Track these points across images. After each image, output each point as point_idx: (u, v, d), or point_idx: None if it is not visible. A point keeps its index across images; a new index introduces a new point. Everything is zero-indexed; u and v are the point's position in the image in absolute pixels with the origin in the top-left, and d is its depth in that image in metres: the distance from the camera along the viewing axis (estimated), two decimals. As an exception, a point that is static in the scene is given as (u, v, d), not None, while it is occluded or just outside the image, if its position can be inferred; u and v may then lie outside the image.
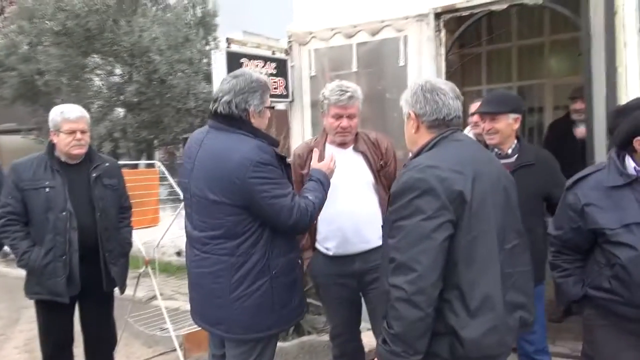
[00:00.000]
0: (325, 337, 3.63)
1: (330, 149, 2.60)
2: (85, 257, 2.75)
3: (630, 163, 1.89)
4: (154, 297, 5.32)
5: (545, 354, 2.68)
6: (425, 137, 1.75)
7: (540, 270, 2.49)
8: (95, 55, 8.04)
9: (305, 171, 2.58)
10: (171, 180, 4.32)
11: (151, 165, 5.84)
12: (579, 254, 2.06)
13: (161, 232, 4.38)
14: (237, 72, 2.16)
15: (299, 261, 2.25)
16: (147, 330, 4.03)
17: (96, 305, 2.94)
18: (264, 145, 2.03)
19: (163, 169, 4.43)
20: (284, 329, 2.40)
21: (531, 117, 5.90)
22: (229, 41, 3.99)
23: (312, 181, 2.20)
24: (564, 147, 3.79)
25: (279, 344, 2.43)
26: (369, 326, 2.80)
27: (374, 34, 3.92)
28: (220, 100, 2.06)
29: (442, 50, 3.71)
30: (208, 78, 7.82)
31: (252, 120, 2.08)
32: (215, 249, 2.05)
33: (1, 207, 2.75)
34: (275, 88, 4.09)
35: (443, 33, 3.69)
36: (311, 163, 2.36)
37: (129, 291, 3.13)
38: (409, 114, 1.78)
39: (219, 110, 2.07)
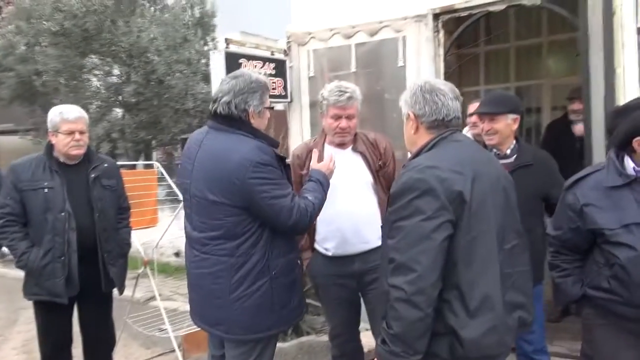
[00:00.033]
0: (324, 338, 3.63)
1: (329, 150, 2.60)
2: (84, 257, 2.74)
3: (629, 163, 1.90)
4: (152, 298, 5.32)
5: (544, 354, 2.69)
6: (424, 137, 1.75)
7: (539, 270, 2.50)
8: (93, 56, 8.03)
9: (304, 172, 2.59)
10: (169, 180, 4.32)
11: (149, 166, 5.84)
12: (578, 254, 2.07)
13: (160, 233, 4.38)
14: (237, 72, 2.16)
15: (299, 262, 2.25)
16: (146, 331, 4.02)
17: (95, 306, 2.93)
18: (263, 146, 2.03)
19: (161, 169, 4.43)
20: (284, 329, 2.41)
21: (529, 117, 5.91)
22: (227, 42, 3.99)
23: (312, 182, 2.20)
24: (562, 147, 3.79)
25: (278, 344, 2.42)
26: (368, 326, 2.80)
27: (372, 34, 3.92)
28: (220, 100, 2.06)
29: (441, 51, 3.72)
30: (206, 78, 7.83)
31: (252, 121, 2.09)
32: (215, 249, 2.05)
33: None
34: (273, 88, 4.09)
35: (441, 34, 3.70)
36: (311, 164, 2.36)
37: (127, 292, 3.12)
38: (408, 115, 1.79)
39: (218, 111, 2.07)
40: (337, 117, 2.52)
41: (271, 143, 2.11)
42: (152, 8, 8.40)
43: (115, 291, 3.01)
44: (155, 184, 4.29)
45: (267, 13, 7.45)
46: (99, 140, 7.78)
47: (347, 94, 2.50)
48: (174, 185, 4.30)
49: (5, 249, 2.98)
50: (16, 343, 4.47)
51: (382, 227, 1.83)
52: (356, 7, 3.97)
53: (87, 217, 2.78)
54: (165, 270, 6.92)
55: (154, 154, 9.70)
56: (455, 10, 3.59)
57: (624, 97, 2.85)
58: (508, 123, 2.54)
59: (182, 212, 2.29)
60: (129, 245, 3.09)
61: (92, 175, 2.83)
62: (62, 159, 2.80)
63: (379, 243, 2.45)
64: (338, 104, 2.50)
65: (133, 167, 6.86)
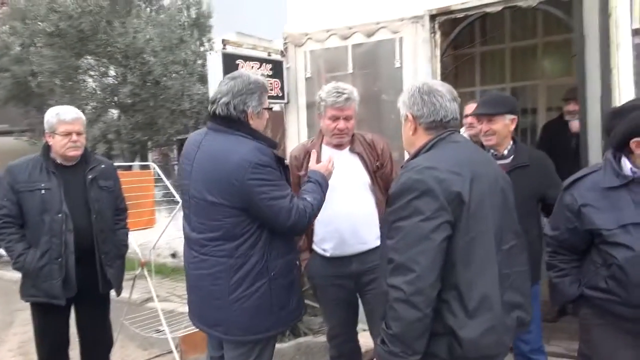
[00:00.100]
0: (322, 338, 3.63)
1: (327, 151, 2.61)
2: (81, 259, 2.74)
3: (626, 164, 1.91)
4: (148, 299, 5.31)
5: (541, 354, 2.70)
6: (422, 138, 1.76)
7: (536, 270, 2.52)
8: (88, 57, 7.98)
9: (302, 172, 2.59)
10: (166, 181, 4.32)
11: (145, 167, 5.83)
12: (576, 254, 2.08)
13: (157, 234, 4.37)
14: (235, 73, 2.17)
15: (297, 262, 2.25)
16: (143, 332, 4.02)
17: (92, 308, 2.93)
18: (262, 147, 2.03)
19: (158, 170, 4.42)
20: (283, 330, 2.42)
21: (524, 118, 5.92)
22: (224, 43, 3.99)
23: (311, 183, 2.21)
24: (558, 147, 3.82)
25: (276, 345, 2.43)
26: (365, 327, 2.81)
27: (369, 35, 3.93)
28: (219, 101, 2.07)
29: (437, 52, 3.73)
30: (202, 79, 7.80)
31: (251, 122, 2.09)
32: (213, 250, 2.06)
33: (-4, 209, 2.73)
34: (270, 89, 4.10)
35: (438, 35, 3.71)
36: (309, 164, 2.37)
37: (124, 293, 3.12)
38: (407, 116, 1.79)
39: (217, 112, 2.08)
40: (335, 118, 2.53)
41: (270, 144, 2.11)
42: (148, 9, 8.36)
43: (112, 292, 3.01)
44: (152, 185, 4.28)
45: (263, 14, 7.43)
46: (95, 142, 7.72)
47: (345, 95, 2.50)
48: (170, 186, 4.30)
49: (1, 251, 2.96)
50: (12, 345, 4.45)
51: (381, 227, 1.83)
52: (353, 8, 3.98)
53: (85, 218, 2.78)
54: (161, 271, 6.92)
55: (150, 155, 9.67)
56: (452, 12, 3.61)
57: (619, 98, 2.87)
58: (506, 123, 2.56)
59: (179, 213, 2.29)
60: (126, 246, 3.09)
61: (89, 177, 2.82)
62: (59, 160, 2.79)
63: (377, 244, 2.47)
64: (336, 105, 2.51)
65: (129, 168, 6.83)
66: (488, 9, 3.47)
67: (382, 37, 3.89)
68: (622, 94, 2.85)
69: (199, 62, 8.14)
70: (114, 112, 8.44)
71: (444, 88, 1.77)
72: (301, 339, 3.85)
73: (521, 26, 5.64)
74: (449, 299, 1.55)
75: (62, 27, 7.19)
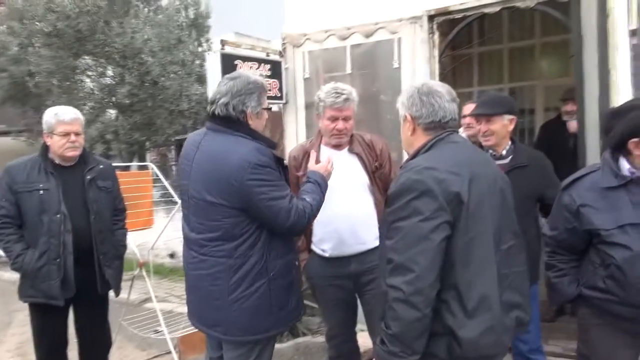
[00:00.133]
0: (320, 339, 3.64)
1: (326, 151, 2.61)
2: (80, 259, 2.73)
3: (624, 165, 1.91)
4: (146, 300, 5.31)
5: (540, 353, 2.71)
6: (421, 139, 1.76)
7: (534, 270, 2.52)
8: (86, 57, 7.98)
9: (300, 173, 2.59)
10: (165, 182, 4.31)
11: (144, 167, 5.82)
12: (574, 254, 2.08)
13: (155, 234, 4.37)
14: (234, 74, 2.17)
15: (296, 263, 2.25)
16: (141, 332, 4.01)
17: (91, 308, 2.93)
18: (262, 148, 2.03)
19: (156, 170, 4.42)
20: (282, 331, 2.41)
21: (522, 118, 5.94)
22: (223, 43, 3.99)
23: (310, 183, 2.21)
24: (556, 147, 3.82)
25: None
26: (364, 327, 2.81)
27: (367, 36, 3.94)
28: (218, 102, 2.06)
29: (436, 52, 3.73)
30: (201, 80, 7.81)
31: (250, 122, 2.09)
32: (213, 251, 2.06)
33: (-5, 209, 2.72)
34: (269, 90, 4.10)
35: (436, 35, 3.72)
36: (308, 165, 2.37)
37: (122, 294, 3.12)
38: (406, 117, 1.80)
39: (216, 112, 2.07)
40: (334, 119, 2.53)
41: (269, 144, 2.11)
42: (146, 9, 8.36)
43: (110, 293, 3.00)
44: (151, 185, 4.27)
45: (261, 14, 7.44)
46: (93, 142, 7.73)
47: (344, 96, 2.51)
48: (169, 187, 4.30)
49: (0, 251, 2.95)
50: (10, 346, 4.44)
51: (379, 228, 1.84)
52: (351, 8, 3.98)
53: (83, 218, 2.77)
54: (159, 271, 6.91)
55: (148, 156, 9.67)
56: (450, 12, 3.61)
57: (617, 98, 2.88)
58: (504, 124, 2.57)
59: (177, 214, 2.29)
60: (124, 246, 3.08)
61: (88, 177, 2.82)
62: (57, 161, 2.79)
63: (376, 244, 2.48)
64: (335, 106, 2.51)
65: (127, 168, 6.83)
66: (486, 10, 3.48)
67: (380, 38, 3.89)
68: (620, 95, 2.86)
69: (197, 62, 8.15)
70: (112, 113, 8.44)
71: (443, 89, 1.77)
72: (300, 339, 3.85)
73: (519, 27, 5.65)
74: (448, 299, 1.56)
75: (59, 27, 7.19)
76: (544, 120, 5.17)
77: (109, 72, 8.25)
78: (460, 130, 3.54)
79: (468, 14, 3.57)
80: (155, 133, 8.24)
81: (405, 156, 1.86)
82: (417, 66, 3.74)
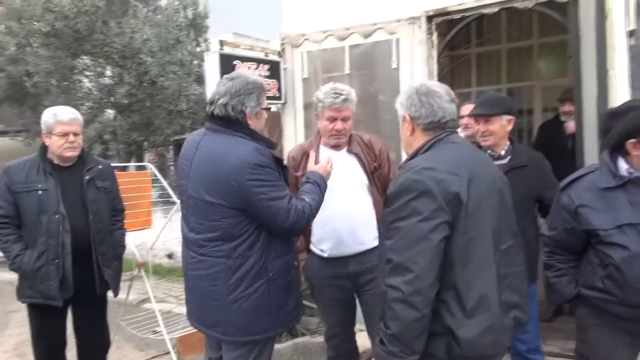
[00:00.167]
0: (319, 339, 3.64)
1: (324, 151, 2.61)
2: (78, 260, 2.73)
3: (622, 165, 1.92)
4: (145, 300, 5.31)
5: (538, 353, 2.71)
6: (420, 139, 1.77)
7: (533, 270, 2.53)
8: (84, 57, 7.97)
9: (299, 173, 2.60)
10: (164, 182, 4.31)
11: (142, 168, 5.82)
12: (573, 254, 2.09)
13: (153, 235, 4.36)
14: (233, 74, 2.17)
15: (295, 263, 2.25)
16: (140, 333, 4.01)
17: (89, 309, 2.92)
18: (261, 148, 2.03)
19: (155, 170, 4.42)
20: (281, 331, 2.41)
21: (520, 119, 5.95)
22: (221, 43, 3.99)
23: (309, 183, 2.21)
24: (554, 147, 3.83)
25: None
26: (363, 327, 2.81)
27: (366, 36, 3.94)
28: (217, 102, 2.06)
29: (434, 53, 3.74)
30: (199, 80, 7.80)
31: (249, 122, 2.09)
32: (212, 251, 2.05)
33: (-7, 210, 2.72)
34: (268, 90, 4.10)
35: (435, 36, 3.72)
36: (308, 165, 2.37)
37: (121, 294, 3.11)
38: (405, 117, 1.80)
39: (215, 113, 2.07)
40: (333, 119, 2.53)
41: (268, 145, 2.11)
42: (145, 9, 8.35)
43: (109, 293, 3.00)
44: (150, 185, 4.27)
45: (259, 14, 7.44)
46: (91, 142, 7.72)
47: (343, 96, 2.51)
48: (168, 187, 4.30)
49: (-2, 252, 2.95)
50: (8, 346, 4.43)
51: (378, 228, 1.84)
52: (350, 9, 3.99)
53: (82, 219, 2.77)
54: (157, 272, 6.90)
55: (146, 156, 9.66)
56: (449, 13, 3.62)
57: (615, 99, 2.89)
58: (503, 124, 2.57)
59: (176, 214, 2.29)
60: (123, 247, 3.08)
61: (87, 177, 2.81)
62: (56, 161, 2.78)
63: (374, 244, 2.48)
64: (333, 106, 2.51)
65: (124, 168, 6.83)
66: (485, 10, 3.49)
67: (379, 38, 3.90)
68: (618, 95, 2.87)
69: (196, 62, 8.15)
70: (110, 113, 8.44)
71: (441, 89, 1.77)
72: (298, 339, 3.85)
73: (517, 27, 5.66)
74: (447, 299, 1.56)
75: (58, 27, 7.18)
76: (542, 121, 5.18)
77: (108, 72, 8.24)
78: (459, 130, 3.54)
79: (466, 14, 3.58)
80: (154, 133, 8.24)
81: (404, 156, 1.86)
82: (416, 67, 3.75)
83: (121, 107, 8.08)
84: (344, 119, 2.54)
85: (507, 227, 1.71)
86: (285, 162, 2.36)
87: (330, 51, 4.11)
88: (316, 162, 2.39)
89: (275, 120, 4.35)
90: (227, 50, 4.04)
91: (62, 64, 7.55)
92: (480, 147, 2.64)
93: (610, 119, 1.97)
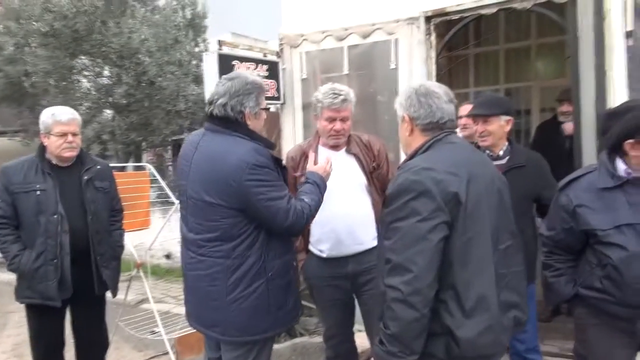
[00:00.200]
0: (317, 339, 3.64)
1: (323, 152, 2.61)
2: (77, 260, 2.73)
3: (620, 165, 1.93)
4: (143, 301, 5.31)
5: (536, 353, 2.72)
6: (419, 139, 1.77)
7: (531, 270, 2.53)
8: (83, 57, 7.96)
9: (298, 174, 2.60)
10: (162, 182, 4.31)
11: (140, 168, 5.81)
12: (571, 254, 2.10)
13: (151, 235, 4.36)
14: (232, 74, 2.17)
15: (294, 263, 2.25)
16: (138, 333, 4.01)
17: (88, 309, 2.92)
18: (260, 148, 2.03)
19: (154, 171, 4.41)
20: (280, 331, 2.41)
21: (518, 119, 5.96)
22: (220, 43, 3.99)
23: (309, 184, 2.21)
24: (552, 147, 3.84)
25: (272, 346, 2.44)
26: (361, 327, 2.81)
27: (365, 36, 3.95)
28: (216, 102, 2.07)
29: (433, 53, 3.75)
30: (197, 80, 7.80)
31: (248, 122, 2.09)
32: (211, 251, 2.05)
33: (-9, 210, 2.71)
34: (266, 90, 4.10)
35: (433, 36, 3.73)
36: (307, 166, 2.37)
37: (119, 294, 3.11)
38: (403, 117, 1.80)
39: (214, 113, 2.07)
40: (332, 120, 2.54)
41: (267, 145, 2.11)
42: (143, 9, 8.34)
43: (107, 293, 2.99)
44: (148, 185, 4.27)
45: (257, 14, 7.45)
46: (89, 142, 7.71)
47: (342, 97, 2.51)
48: (166, 187, 4.29)
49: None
50: (6, 347, 4.42)
51: (377, 228, 1.84)
52: (348, 9, 3.99)
53: (80, 219, 2.77)
54: (155, 272, 6.89)
55: (144, 156, 9.65)
56: (447, 14, 3.62)
57: (613, 99, 2.90)
58: (501, 124, 2.58)
59: (174, 214, 2.29)
60: (121, 247, 3.08)
61: (85, 177, 2.81)
62: (54, 161, 2.78)
63: (373, 244, 2.49)
64: (332, 107, 2.51)
65: (123, 168, 6.83)
66: (483, 11, 3.49)
67: (377, 39, 3.90)
68: (616, 96, 2.88)
69: (194, 62, 8.14)
70: (109, 113, 8.42)
71: (440, 90, 1.78)
72: (297, 340, 3.85)
73: (515, 28, 5.68)
74: (447, 298, 1.56)
75: (56, 27, 7.17)
76: (539, 121, 5.20)
77: (106, 72, 8.23)
78: (457, 130, 3.55)
79: (465, 15, 3.59)
80: (152, 133, 8.22)
81: (403, 157, 1.86)
82: (414, 67, 3.75)
83: (119, 107, 8.06)
84: (343, 120, 2.54)
85: (506, 227, 1.72)
86: (284, 162, 2.36)
87: (328, 51, 4.11)
88: (315, 162, 2.39)
89: (274, 121, 4.35)
90: (226, 50, 4.04)
91: (61, 64, 7.54)
92: (478, 147, 2.64)
93: (608, 119, 1.98)
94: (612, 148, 1.95)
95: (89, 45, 7.49)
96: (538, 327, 2.82)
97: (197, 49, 8.34)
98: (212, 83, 3.68)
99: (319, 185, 2.21)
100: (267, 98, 4.09)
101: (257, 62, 4.13)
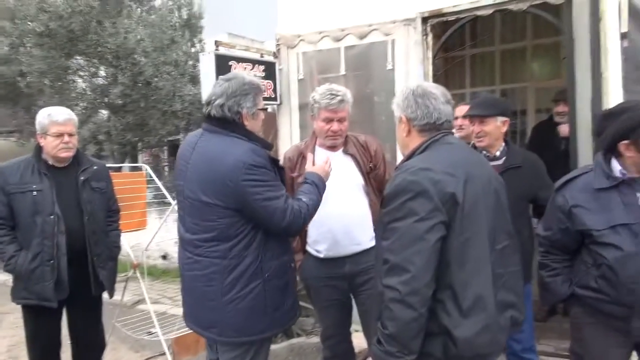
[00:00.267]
0: (315, 339, 3.65)
1: (320, 152, 2.62)
2: (73, 260, 2.72)
3: (616, 166, 1.94)
4: (139, 301, 5.30)
5: (533, 353, 2.73)
6: (416, 140, 1.78)
7: (527, 270, 2.55)
8: (78, 57, 7.92)
9: (295, 174, 2.60)
10: (159, 183, 4.30)
11: (136, 168, 5.80)
12: (567, 254, 2.11)
13: (148, 236, 4.36)
14: (230, 75, 2.17)
15: (292, 264, 2.25)
16: (135, 334, 4.00)
17: (84, 310, 2.91)
18: (257, 149, 2.03)
19: (150, 171, 4.41)
20: (277, 332, 2.40)
21: (514, 120, 5.99)
22: (217, 44, 3.99)
23: (307, 184, 2.21)
24: (548, 148, 3.86)
25: (269, 346, 2.44)
26: (358, 328, 2.82)
27: (361, 37, 3.95)
28: (213, 103, 2.07)
29: (429, 54, 3.76)
30: (194, 80, 7.78)
31: (246, 123, 2.09)
32: (207, 251, 2.05)
33: (-13, 211, 2.70)
34: (263, 91, 4.10)
35: (430, 37, 3.74)
36: (306, 166, 2.38)
37: (116, 295, 3.10)
38: (401, 118, 1.81)
39: (212, 114, 2.08)
40: (329, 120, 2.54)
41: (265, 145, 2.11)
42: (139, 9, 8.31)
43: (104, 294, 2.99)
44: (145, 186, 4.27)
45: (253, 15, 7.44)
46: (85, 142, 7.67)
47: (339, 97, 2.52)
48: (162, 188, 4.29)
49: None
50: (1, 348, 4.40)
51: (375, 228, 1.85)
52: (345, 10, 4.00)
53: (77, 220, 2.76)
54: (152, 273, 6.90)
55: (140, 156, 9.62)
56: (443, 14, 3.63)
57: (608, 100, 2.91)
58: (498, 125, 2.59)
59: (170, 215, 2.28)
60: (118, 248, 3.08)
61: (82, 178, 2.81)
62: (51, 162, 2.77)
63: (371, 245, 2.49)
64: (330, 107, 2.52)
65: (119, 169, 6.82)
66: (479, 12, 3.51)
67: (374, 39, 3.91)
68: (611, 97, 2.90)
69: (190, 62, 8.12)
70: (104, 113, 8.39)
71: (437, 90, 1.79)
72: (294, 340, 3.85)
73: (511, 29, 5.70)
74: (444, 298, 1.57)
75: (52, 27, 7.13)
76: (535, 122, 5.21)
77: (102, 73, 8.19)
78: (454, 131, 3.56)
79: (461, 16, 3.60)
80: (148, 134, 8.19)
81: (400, 157, 1.87)
82: (411, 68, 3.76)
83: (115, 107, 8.03)
84: (340, 120, 2.55)
85: (503, 228, 1.72)
86: (281, 162, 2.37)
87: (325, 52, 4.11)
88: (313, 163, 2.39)
89: (271, 121, 4.35)
90: (223, 50, 4.04)
91: (56, 64, 7.50)
92: (475, 148, 2.65)
93: (604, 120, 2.00)
94: (608, 149, 1.97)
95: (85, 45, 7.46)
96: (534, 326, 2.84)
97: (193, 50, 8.31)
98: (208, 83, 3.68)
99: (318, 185, 2.21)
100: (264, 98, 4.09)
101: (254, 62, 4.13)
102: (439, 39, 3.88)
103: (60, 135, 2.71)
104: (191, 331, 2.31)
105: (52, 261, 2.66)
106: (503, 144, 2.66)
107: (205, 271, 2.07)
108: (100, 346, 3.10)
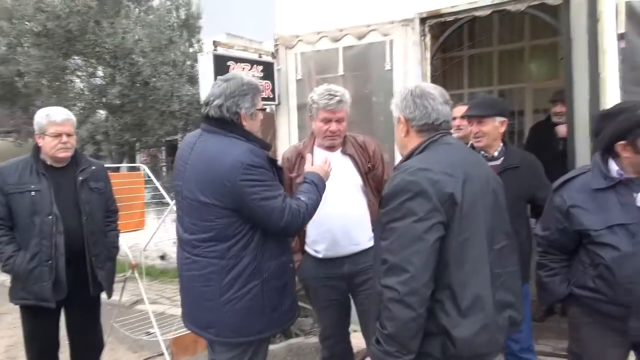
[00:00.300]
0: (313, 339, 3.65)
1: (319, 152, 2.62)
2: (72, 261, 2.72)
3: (613, 166, 1.95)
4: (138, 302, 5.29)
5: (531, 352, 2.74)
6: (415, 140, 1.78)
7: (525, 270, 2.55)
8: (76, 57, 7.91)
9: (294, 174, 2.60)
10: (157, 183, 4.30)
11: (134, 169, 5.80)
12: (565, 254, 2.12)
13: (146, 236, 4.35)
14: (228, 75, 2.17)
15: (291, 265, 2.25)
16: (133, 334, 3.99)
17: (83, 310, 2.91)
18: (255, 149, 2.03)
19: (148, 171, 4.41)
20: (275, 333, 2.40)
21: (512, 120, 6.00)
22: (215, 44, 3.99)
23: (306, 183, 2.21)
24: (545, 148, 3.87)
25: (267, 346, 2.44)
26: (357, 328, 2.82)
27: (360, 38, 3.96)
28: (212, 103, 2.07)
29: (427, 55, 3.77)
30: (192, 80, 7.78)
31: (244, 123, 2.09)
32: (205, 251, 2.05)
33: (-15, 211, 2.70)
34: (262, 91, 4.10)
35: (428, 38, 3.75)
36: (305, 166, 2.38)
37: (114, 295, 3.10)
38: (399, 118, 1.81)
39: (210, 114, 2.08)
40: (327, 121, 2.54)
41: (263, 146, 2.11)
42: (137, 9, 8.31)
43: (103, 295, 2.98)
44: (143, 186, 4.26)
45: (252, 15, 7.45)
46: (83, 143, 7.67)
47: (337, 98, 2.52)
48: (160, 188, 4.29)
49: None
50: (-1, 349, 4.40)
51: (374, 229, 1.85)
52: (343, 10, 4.00)
53: (75, 220, 2.76)
54: (150, 273, 6.88)
55: (138, 157, 9.62)
56: (442, 15, 3.64)
57: (606, 101, 2.93)
58: (496, 125, 2.60)
59: (169, 215, 2.28)
60: (116, 248, 3.07)
61: (80, 178, 2.81)
62: (49, 162, 2.77)
63: (369, 245, 2.49)
64: (328, 108, 2.52)
65: (117, 169, 6.81)
66: (477, 13, 3.52)
67: (372, 40, 3.92)
68: (609, 97, 2.91)
69: (188, 63, 8.12)
70: (102, 113, 8.38)
71: (436, 91, 1.79)
72: (292, 340, 3.86)
73: (509, 30, 5.71)
74: (443, 298, 1.57)
75: (49, 27, 7.12)
76: (533, 122, 5.22)
77: (100, 73, 8.19)
78: (452, 132, 3.56)
79: (459, 16, 3.61)
80: (146, 134, 8.19)
81: (398, 157, 1.87)
82: (409, 68, 3.77)
83: (113, 107, 8.03)
84: (339, 121, 2.55)
85: (501, 228, 1.73)
86: (279, 163, 2.37)
87: (323, 52, 4.12)
88: (312, 164, 2.39)
89: (269, 121, 4.35)
90: (221, 51, 4.04)
91: (54, 64, 7.49)
92: (473, 148, 2.66)
93: (601, 120, 2.00)
94: (605, 149, 1.97)
95: (83, 45, 7.45)
96: (532, 326, 2.85)
97: (191, 50, 8.32)
98: (206, 84, 3.68)
99: (317, 184, 2.21)
100: (262, 99, 4.09)
101: (252, 62, 4.13)
102: (437, 40, 3.89)
103: (58, 135, 2.71)
104: (189, 331, 2.30)
105: (50, 261, 2.66)
106: (501, 144, 2.66)
107: (203, 271, 2.07)
108: (99, 346, 3.10)
